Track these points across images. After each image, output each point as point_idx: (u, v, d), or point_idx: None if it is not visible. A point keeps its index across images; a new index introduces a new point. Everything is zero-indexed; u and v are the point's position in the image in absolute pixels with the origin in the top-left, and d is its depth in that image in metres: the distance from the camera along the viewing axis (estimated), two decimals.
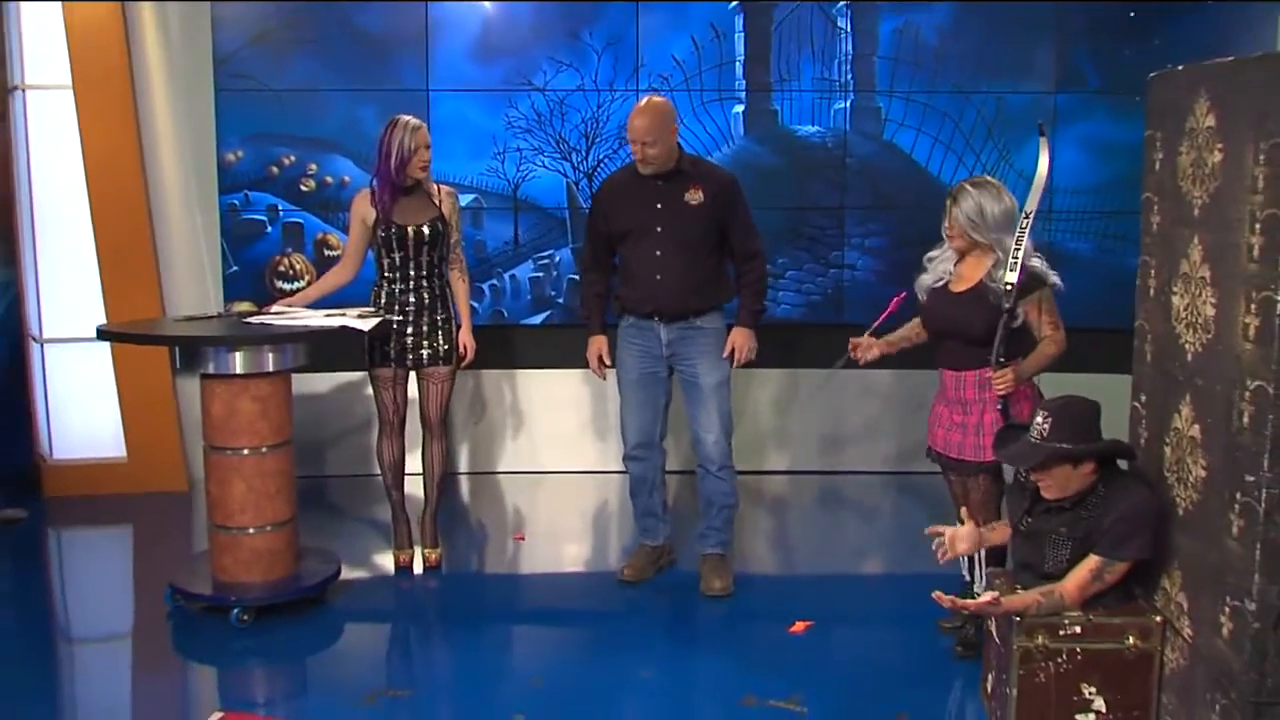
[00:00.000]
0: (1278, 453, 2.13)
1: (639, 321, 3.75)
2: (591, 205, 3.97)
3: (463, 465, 5.28)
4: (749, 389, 5.17)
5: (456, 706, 3.05)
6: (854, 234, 5.10)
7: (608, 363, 3.86)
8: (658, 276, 3.66)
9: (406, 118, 3.78)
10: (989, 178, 3.24)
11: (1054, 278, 3.11)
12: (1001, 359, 2.98)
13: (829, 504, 4.98)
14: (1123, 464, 2.80)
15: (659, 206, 3.65)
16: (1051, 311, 3.09)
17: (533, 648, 3.47)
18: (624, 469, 3.95)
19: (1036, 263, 3.09)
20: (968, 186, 3.15)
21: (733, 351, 3.70)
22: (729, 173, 3.84)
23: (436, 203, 3.85)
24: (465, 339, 3.93)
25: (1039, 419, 2.69)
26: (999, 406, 3.02)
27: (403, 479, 4.02)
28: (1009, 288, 2.96)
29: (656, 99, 3.66)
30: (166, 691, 3.22)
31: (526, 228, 5.10)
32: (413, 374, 3.94)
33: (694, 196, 3.64)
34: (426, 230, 3.80)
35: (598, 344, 3.85)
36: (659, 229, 3.65)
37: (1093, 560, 2.63)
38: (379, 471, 4.04)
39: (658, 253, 3.66)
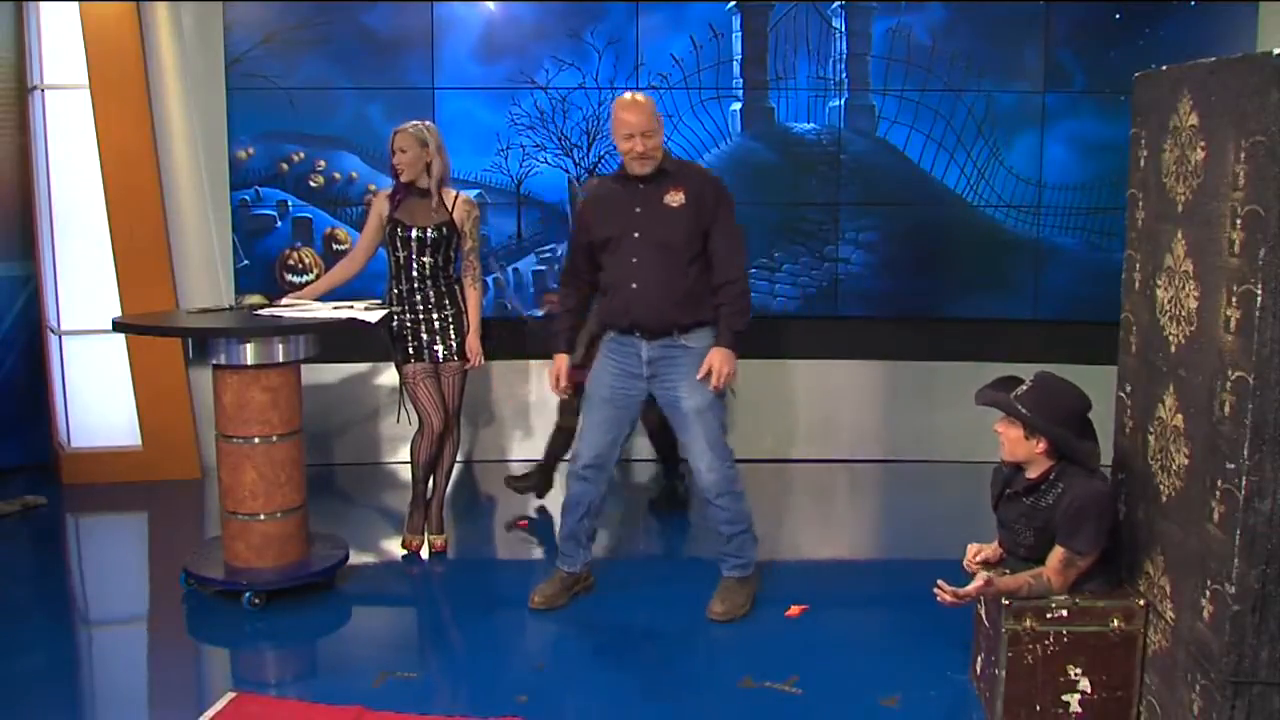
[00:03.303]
0: (1258, 441, 2.15)
1: (619, 337, 3.46)
2: (576, 218, 3.73)
3: (469, 454, 5.32)
4: (750, 380, 5.22)
5: (461, 688, 3.09)
6: (848, 228, 5.14)
7: (564, 383, 3.57)
8: (634, 285, 3.35)
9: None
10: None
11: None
12: None
13: (823, 491, 5.00)
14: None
15: (637, 210, 3.35)
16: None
17: (535, 631, 3.50)
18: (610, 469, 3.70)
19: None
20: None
21: (709, 373, 3.33)
22: (715, 175, 3.54)
23: (448, 208, 3.89)
24: (472, 345, 3.97)
25: (1029, 378, 2.78)
26: None
27: (430, 475, 4.06)
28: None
29: (639, 94, 3.38)
30: (181, 672, 3.28)
31: (529, 222, 5.16)
32: None
33: (674, 198, 3.33)
34: (430, 234, 3.84)
35: (558, 362, 3.56)
36: (636, 234, 3.34)
37: (1059, 550, 2.69)
38: (409, 460, 4.06)
39: (634, 260, 3.35)
